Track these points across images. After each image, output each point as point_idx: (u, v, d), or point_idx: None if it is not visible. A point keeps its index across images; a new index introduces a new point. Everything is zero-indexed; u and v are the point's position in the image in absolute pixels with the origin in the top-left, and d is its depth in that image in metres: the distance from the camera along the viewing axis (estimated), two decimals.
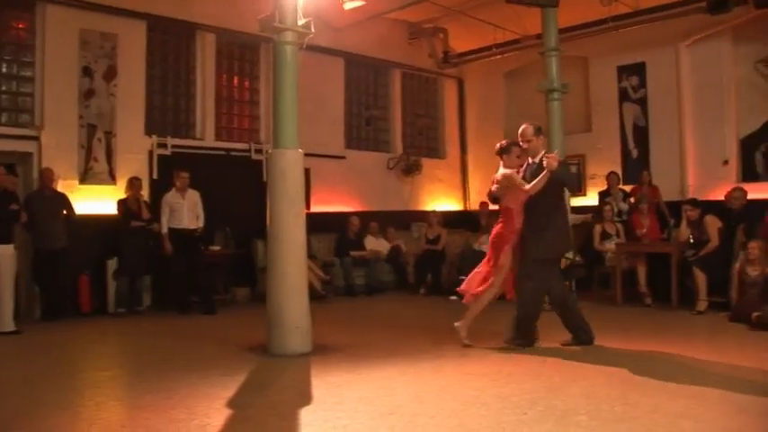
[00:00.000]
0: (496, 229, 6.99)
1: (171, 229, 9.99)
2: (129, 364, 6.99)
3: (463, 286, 7.11)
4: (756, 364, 6.00)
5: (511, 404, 4.80)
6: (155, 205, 10.23)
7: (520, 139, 6.98)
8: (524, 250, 6.79)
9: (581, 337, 6.91)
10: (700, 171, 12.42)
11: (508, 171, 6.88)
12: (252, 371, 6.12)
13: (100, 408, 5.05)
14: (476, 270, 7.10)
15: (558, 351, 6.67)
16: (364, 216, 12.95)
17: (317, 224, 11.26)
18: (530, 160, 6.96)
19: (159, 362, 6.65)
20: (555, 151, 6.81)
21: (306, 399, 5.13)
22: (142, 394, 5.32)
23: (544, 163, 6.61)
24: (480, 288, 6.90)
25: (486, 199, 13.92)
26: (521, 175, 6.89)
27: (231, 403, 5.00)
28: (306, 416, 4.69)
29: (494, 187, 6.99)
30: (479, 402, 4.86)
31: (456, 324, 7.03)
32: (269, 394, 5.39)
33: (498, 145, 7.14)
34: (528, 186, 6.69)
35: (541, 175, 6.61)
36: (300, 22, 6.90)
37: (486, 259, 7.07)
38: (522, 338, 6.88)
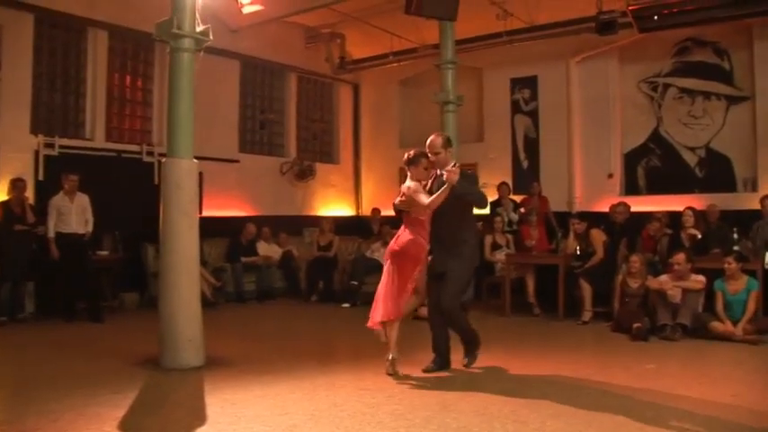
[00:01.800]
0: (405, 238, 6.53)
1: (58, 234, 9.56)
2: (11, 381, 6.57)
3: (374, 321, 6.55)
4: (636, 380, 6.19)
5: (406, 422, 4.82)
6: (41, 208, 9.77)
7: (428, 151, 6.61)
8: (432, 265, 6.54)
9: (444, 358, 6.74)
10: (586, 183, 12.91)
11: (413, 184, 6.53)
12: (143, 387, 5.92)
13: None
14: (380, 298, 6.57)
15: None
16: (257, 221, 12.77)
17: (209, 229, 10.92)
18: (438, 172, 6.59)
19: (44, 378, 6.31)
20: (455, 164, 6.47)
21: (200, 419, 5.00)
22: (26, 417, 5.01)
23: (444, 177, 6.29)
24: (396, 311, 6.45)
25: (377, 205, 14.19)
26: (428, 187, 6.58)
27: (123, 425, 4.82)
28: None
29: (399, 199, 6.62)
30: (375, 420, 4.87)
31: (390, 357, 6.48)
32: (162, 414, 5.24)
33: (406, 155, 6.69)
34: (427, 201, 6.36)
35: (441, 189, 6.29)
36: (199, 28, 6.74)
37: (388, 280, 6.54)
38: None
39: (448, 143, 6.67)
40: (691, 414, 5.04)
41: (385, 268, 6.65)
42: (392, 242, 6.72)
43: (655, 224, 10.19)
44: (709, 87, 11.94)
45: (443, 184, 6.38)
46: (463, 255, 6.51)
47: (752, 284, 8.25)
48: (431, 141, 6.63)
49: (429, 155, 6.63)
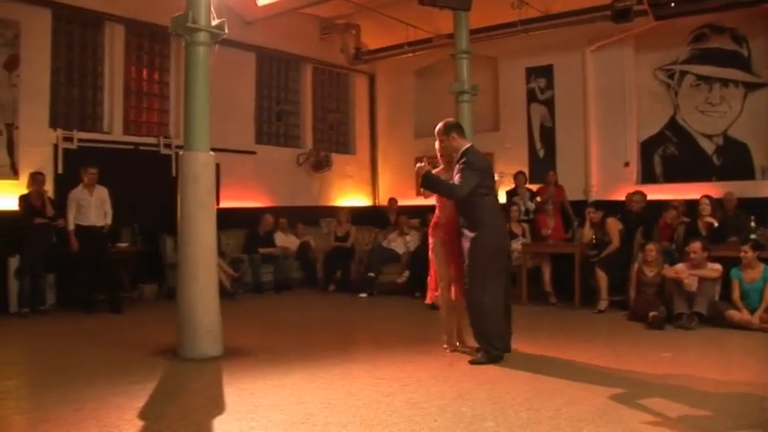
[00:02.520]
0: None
1: (78, 226, 9.67)
2: (33, 372, 6.69)
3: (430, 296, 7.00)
4: (651, 368, 6.19)
5: (421, 411, 4.86)
6: (60, 201, 9.86)
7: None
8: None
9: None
10: (602, 172, 12.87)
11: (435, 170, 6.75)
12: (162, 377, 6.00)
13: (1, 424, 4.82)
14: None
15: (464, 354, 6.72)
16: (274, 211, 12.83)
17: (227, 220, 11.02)
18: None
19: (65, 368, 6.41)
20: (423, 160, 6.70)
21: (219, 407, 5.06)
22: (48, 406, 5.10)
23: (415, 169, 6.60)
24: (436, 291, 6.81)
25: (394, 195, 14.26)
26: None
27: (142, 414, 4.89)
28: (219, 426, 4.64)
29: None
30: (390, 409, 4.91)
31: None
32: (181, 403, 5.30)
33: None
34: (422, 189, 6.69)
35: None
36: (214, 22, 6.77)
37: None
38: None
39: (449, 129, 6.67)
40: (706, 401, 5.04)
41: None
42: None
43: (671, 212, 10.16)
44: (727, 74, 11.83)
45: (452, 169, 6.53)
46: (472, 240, 6.42)
47: None
48: (436, 129, 6.75)
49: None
